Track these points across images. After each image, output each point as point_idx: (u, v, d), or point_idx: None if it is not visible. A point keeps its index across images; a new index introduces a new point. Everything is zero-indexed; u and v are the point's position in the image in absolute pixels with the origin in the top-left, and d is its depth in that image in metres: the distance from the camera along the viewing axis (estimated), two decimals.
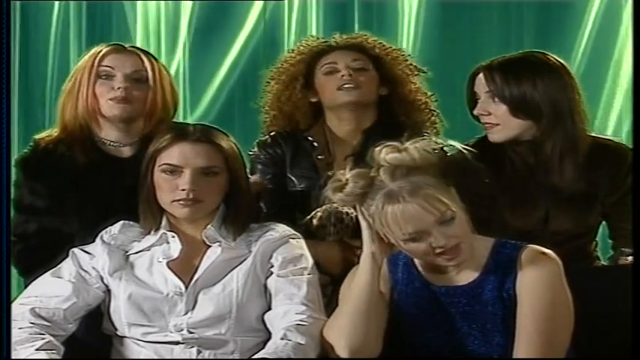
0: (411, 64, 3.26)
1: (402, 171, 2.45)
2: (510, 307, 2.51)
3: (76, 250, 2.74)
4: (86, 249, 2.73)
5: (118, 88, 2.95)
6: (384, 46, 3.25)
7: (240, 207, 2.71)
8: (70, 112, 2.99)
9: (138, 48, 3.10)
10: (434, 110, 3.25)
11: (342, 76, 3.14)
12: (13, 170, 2.93)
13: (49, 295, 2.65)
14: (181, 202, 2.63)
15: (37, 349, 2.54)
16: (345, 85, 3.13)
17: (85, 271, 2.69)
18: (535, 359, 2.44)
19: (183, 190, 2.62)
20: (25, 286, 2.80)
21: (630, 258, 2.80)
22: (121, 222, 2.75)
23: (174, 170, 2.64)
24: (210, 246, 2.68)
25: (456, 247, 2.47)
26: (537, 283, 2.48)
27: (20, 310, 2.62)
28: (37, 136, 3.07)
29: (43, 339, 2.57)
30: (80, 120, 2.98)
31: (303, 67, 3.21)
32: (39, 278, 2.71)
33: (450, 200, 2.46)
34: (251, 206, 2.82)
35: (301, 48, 3.27)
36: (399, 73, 3.22)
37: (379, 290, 2.56)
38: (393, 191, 2.44)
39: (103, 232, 2.74)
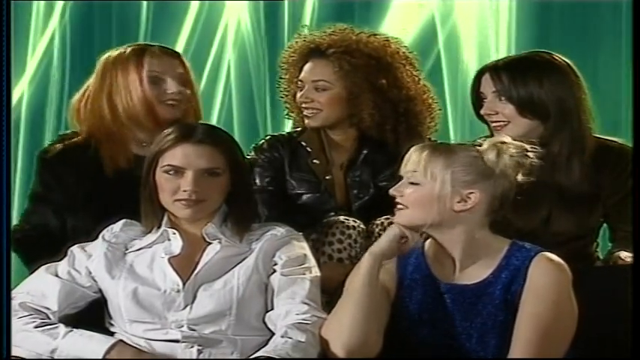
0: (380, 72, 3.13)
1: None
2: (512, 311, 2.51)
3: (74, 248, 2.74)
4: (86, 248, 2.74)
5: (172, 92, 3.02)
6: (360, 48, 3.13)
7: (242, 207, 2.72)
8: (101, 113, 3.03)
9: (167, 47, 3.16)
10: (395, 114, 3.16)
11: (302, 102, 3.13)
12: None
13: (37, 291, 2.66)
14: (183, 202, 2.65)
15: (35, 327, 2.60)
16: (305, 112, 3.14)
17: (77, 270, 2.69)
18: None
19: (185, 190, 2.63)
20: None
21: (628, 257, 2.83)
22: (123, 220, 2.76)
23: (176, 171, 2.65)
24: (210, 243, 2.68)
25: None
26: (543, 291, 2.49)
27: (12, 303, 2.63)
28: (62, 133, 3.18)
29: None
30: (122, 119, 3.03)
31: (297, 72, 3.19)
32: (36, 271, 2.73)
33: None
34: (253, 206, 2.85)
35: (292, 48, 3.22)
36: (363, 87, 3.11)
37: (380, 288, 2.56)
38: None
39: (105, 230, 2.75)
